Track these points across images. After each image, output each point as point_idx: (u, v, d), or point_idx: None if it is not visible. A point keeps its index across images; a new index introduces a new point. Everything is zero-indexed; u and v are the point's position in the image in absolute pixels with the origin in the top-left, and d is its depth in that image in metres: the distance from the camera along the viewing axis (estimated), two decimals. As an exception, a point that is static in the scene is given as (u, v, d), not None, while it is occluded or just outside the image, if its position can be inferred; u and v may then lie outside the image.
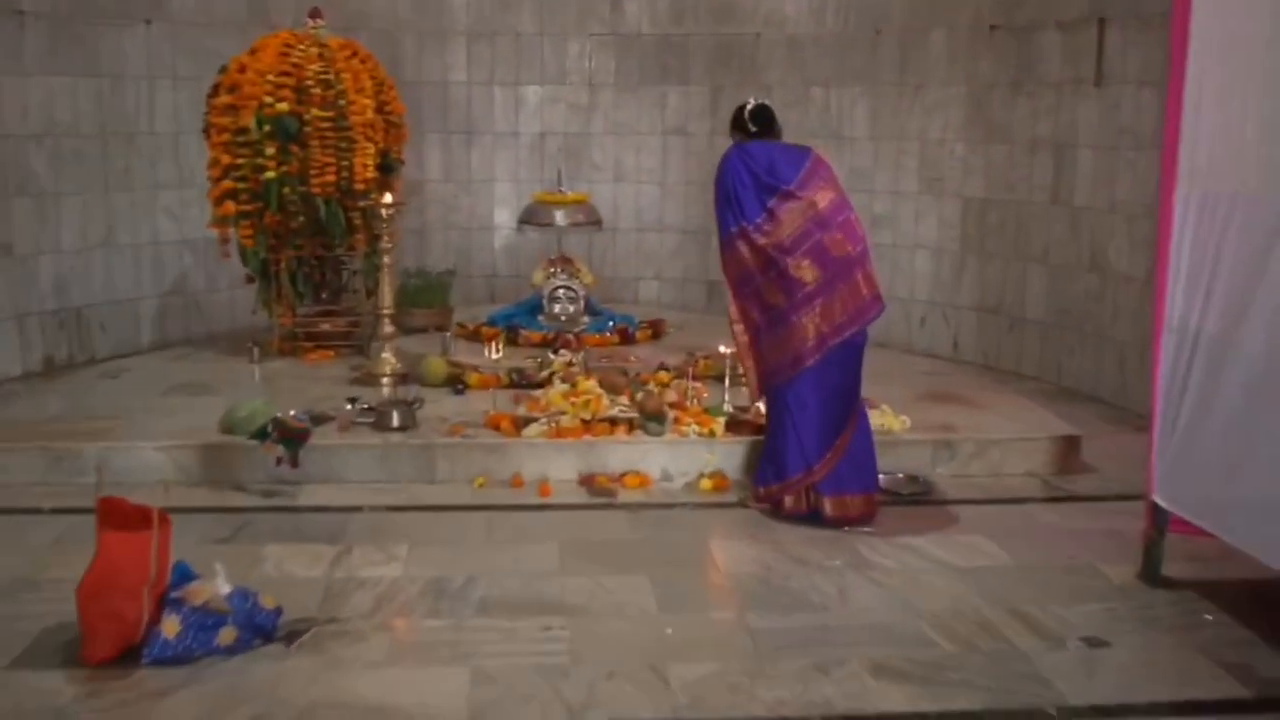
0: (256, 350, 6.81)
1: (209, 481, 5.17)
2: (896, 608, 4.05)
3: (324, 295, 7.28)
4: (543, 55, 8.95)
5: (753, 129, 5.04)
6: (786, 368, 4.86)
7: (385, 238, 6.36)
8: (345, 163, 6.69)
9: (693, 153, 8.83)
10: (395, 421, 5.40)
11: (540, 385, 5.99)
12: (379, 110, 6.99)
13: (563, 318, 7.20)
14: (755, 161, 4.91)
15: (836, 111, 8.24)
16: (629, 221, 9.06)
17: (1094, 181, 6.88)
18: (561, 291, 7.21)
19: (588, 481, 5.21)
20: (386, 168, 7.06)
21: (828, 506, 4.81)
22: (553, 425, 5.38)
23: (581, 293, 7.31)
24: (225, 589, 3.59)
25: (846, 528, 4.75)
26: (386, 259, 6.38)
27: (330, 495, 5.05)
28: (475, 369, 6.34)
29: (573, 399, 5.52)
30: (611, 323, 7.48)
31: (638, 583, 4.19)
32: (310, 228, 6.83)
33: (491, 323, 7.40)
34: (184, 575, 3.65)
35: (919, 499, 5.18)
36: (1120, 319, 6.71)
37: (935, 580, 4.29)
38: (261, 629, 3.61)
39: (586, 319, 7.30)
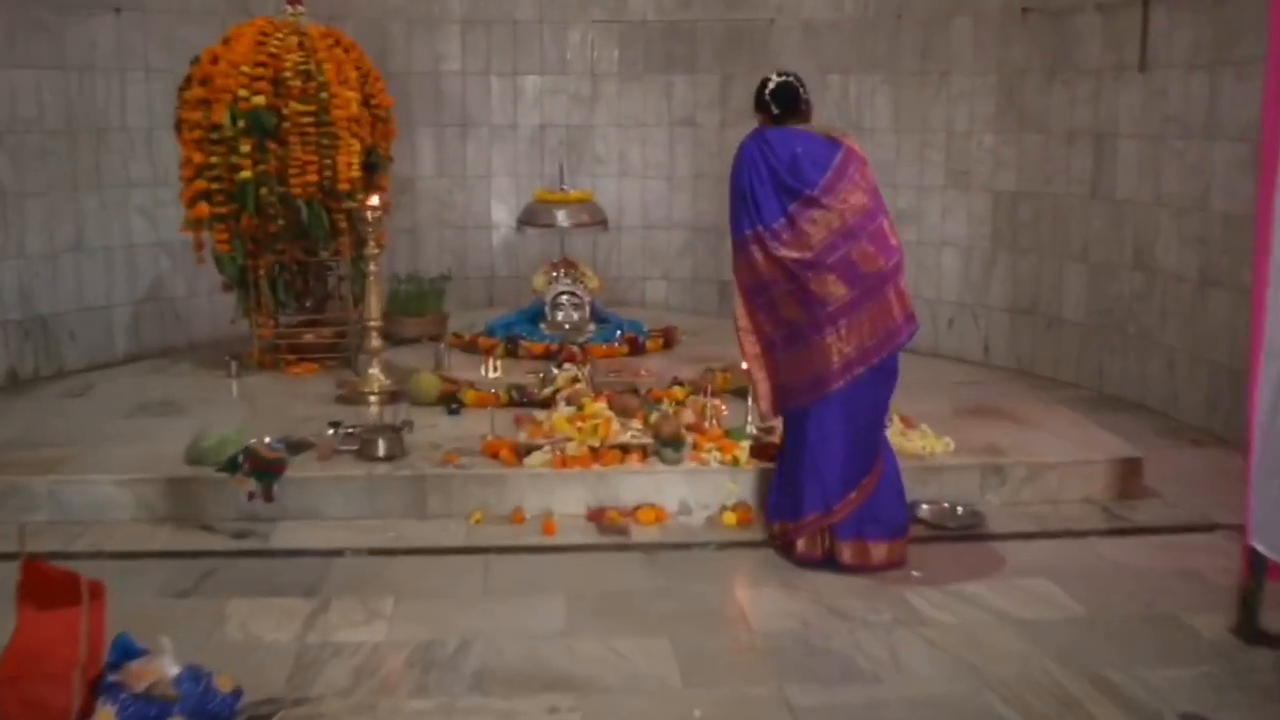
0: (234, 364, 6.36)
1: (174, 519, 4.65)
2: (958, 675, 3.50)
3: (307, 304, 6.80)
4: (542, 43, 8.48)
5: (775, 111, 4.41)
6: (806, 391, 4.27)
7: (371, 243, 5.86)
8: (328, 161, 6.19)
9: (701, 144, 8.35)
10: (381, 450, 4.88)
11: (543, 404, 5.48)
12: (364, 104, 6.50)
13: (566, 326, 6.70)
14: (775, 155, 4.27)
15: (856, 101, 7.76)
16: (634, 218, 8.57)
17: (1138, 173, 6.40)
18: (565, 298, 6.72)
19: (597, 517, 4.68)
20: (372, 166, 6.58)
21: (845, 553, 4.25)
22: (557, 453, 4.85)
23: (586, 299, 6.81)
24: (173, 669, 3.06)
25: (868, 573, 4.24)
26: (373, 266, 5.87)
27: (308, 535, 4.54)
28: (471, 385, 5.83)
29: (579, 423, 4.98)
30: (619, 331, 6.99)
31: (657, 646, 3.66)
32: (291, 231, 6.34)
33: (490, 332, 6.91)
34: (125, 651, 3.11)
35: (968, 533, 4.66)
36: (1169, 321, 6.22)
37: (998, 637, 3.75)
38: (216, 718, 3.08)
39: (592, 327, 6.81)
